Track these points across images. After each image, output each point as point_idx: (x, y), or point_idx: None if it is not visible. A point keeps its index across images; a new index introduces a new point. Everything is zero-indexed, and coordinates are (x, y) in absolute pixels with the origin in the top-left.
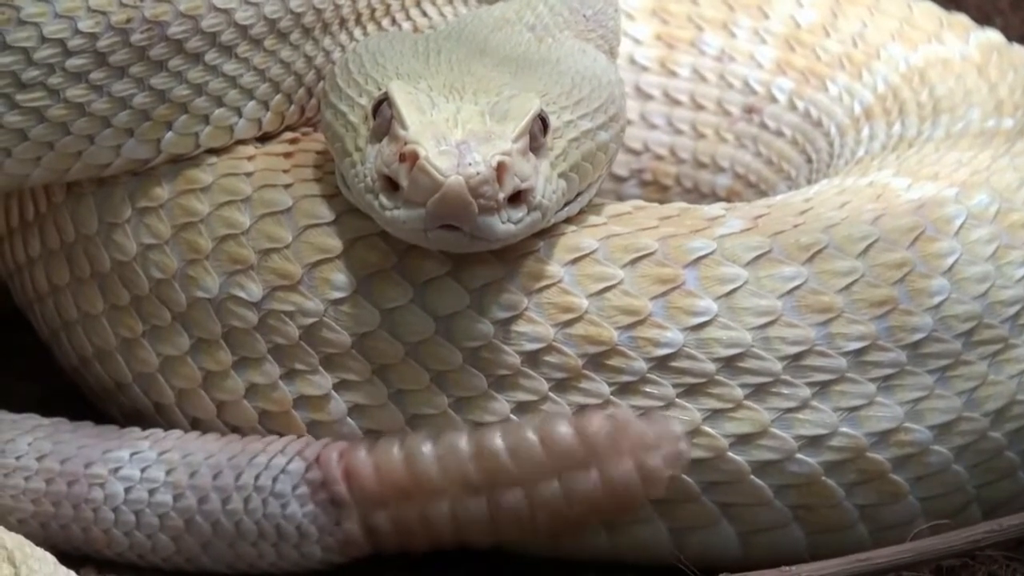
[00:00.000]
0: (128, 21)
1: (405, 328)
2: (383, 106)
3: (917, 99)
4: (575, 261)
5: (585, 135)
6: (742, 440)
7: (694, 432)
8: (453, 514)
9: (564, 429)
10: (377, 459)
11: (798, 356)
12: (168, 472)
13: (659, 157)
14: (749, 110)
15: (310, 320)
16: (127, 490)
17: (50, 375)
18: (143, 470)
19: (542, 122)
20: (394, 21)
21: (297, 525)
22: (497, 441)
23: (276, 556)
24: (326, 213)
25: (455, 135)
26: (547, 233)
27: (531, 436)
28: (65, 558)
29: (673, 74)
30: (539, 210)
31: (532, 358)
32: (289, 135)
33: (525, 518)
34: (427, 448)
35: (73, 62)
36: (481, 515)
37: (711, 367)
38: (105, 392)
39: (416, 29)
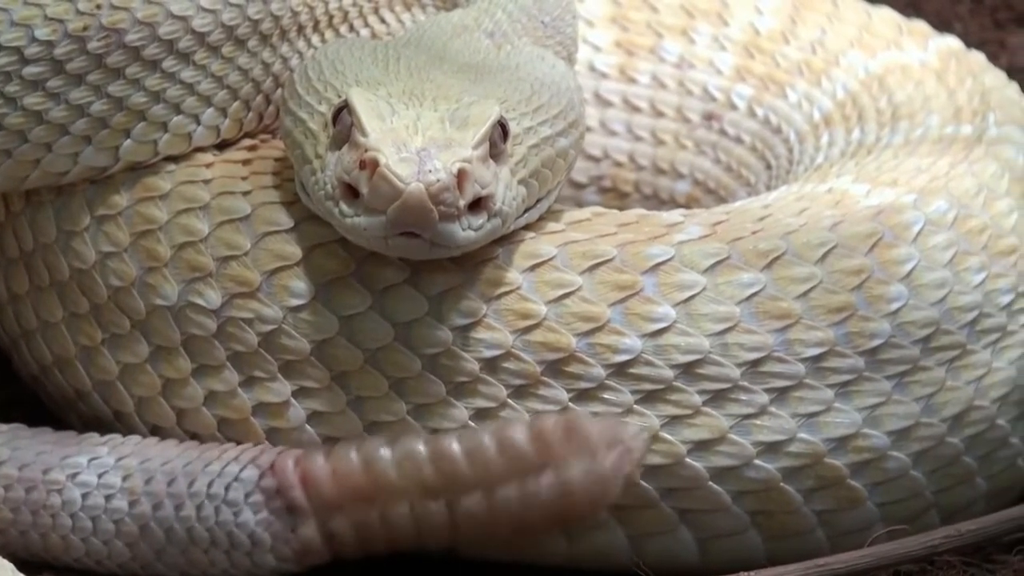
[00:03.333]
0: (85, 29)
1: (364, 335)
2: (343, 113)
3: (876, 106)
4: (534, 268)
5: (545, 141)
6: (700, 446)
7: (652, 438)
8: (412, 518)
9: (519, 432)
10: (334, 464)
11: (756, 362)
12: (125, 478)
13: (618, 164)
14: (709, 117)
15: (269, 327)
16: (84, 496)
17: (9, 382)
18: (100, 476)
19: (502, 128)
20: (352, 28)
21: (249, 533)
22: (454, 445)
23: (228, 564)
24: (285, 220)
25: (415, 142)
26: (506, 240)
27: (487, 440)
28: (23, 565)
29: (633, 81)
30: (499, 217)
31: (491, 365)
32: (247, 142)
33: (483, 522)
34: (385, 452)
35: (30, 70)
36: (440, 519)
37: (669, 373)
38: (65, 400)
39: (374, 36)
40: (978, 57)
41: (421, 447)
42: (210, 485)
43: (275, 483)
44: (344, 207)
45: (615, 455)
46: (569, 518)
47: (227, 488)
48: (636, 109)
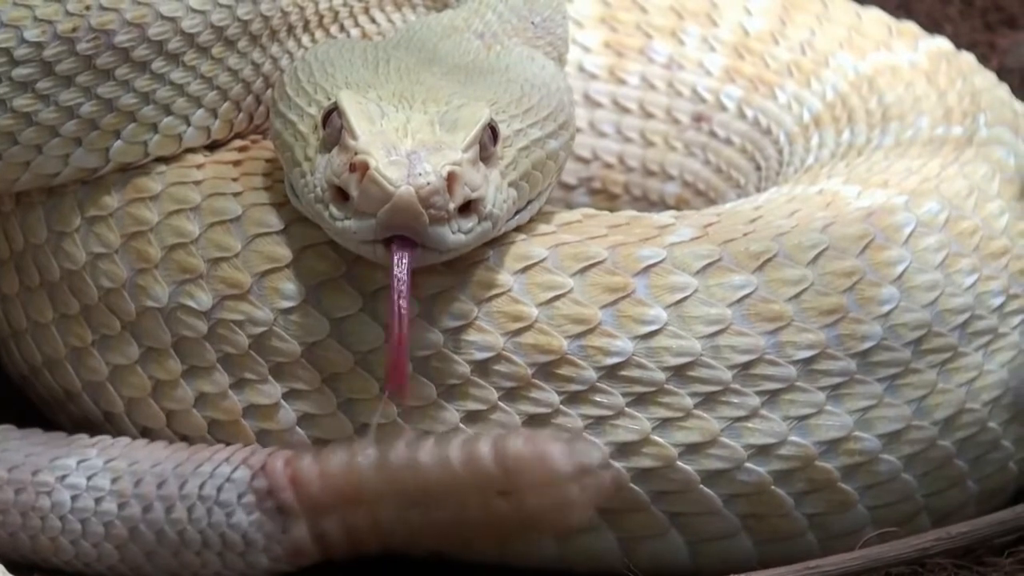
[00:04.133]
0: (74, 30)
1: (355, 337)
2: (333, 116)
3: (866, 107)
4: (525, 270)
5: (535, 144)
6: (691, 449)
7: (643, 441)
8: (397, 521)
9: (484, 450)
10: (322, 465)
11: (748, 365)
12: (114, 480)
13: (608, 165)
14: (698, 118)
15: (259, 329)
16: (73, 498)
17: None
18: (89, 478)
19: (492, 131)
20: (342, 28)
21: (243, 534)
22: (426, 455)
23: (221, 565)
24: (275, 222)
25: (405, 145)
26: (497, 242)
27: (455, 454)
28: (13, 566)
29: (622, 82)
30: (489, 220)
31: (482, 367)
32: (238, 143)
33: (459, 530)
34: (369, 455)
35: (20, 72)
36: (421, 524)
37: (661, 376)
38: (55, 401)
39: (365, 36)
40: (968, 58)
41: (401, 452)
42: (202, 486)
43: (266, 484)
44: (334, 210)
45: (580, 484)
46: (537, 533)
47: (219, 489)
48: (625, 110)
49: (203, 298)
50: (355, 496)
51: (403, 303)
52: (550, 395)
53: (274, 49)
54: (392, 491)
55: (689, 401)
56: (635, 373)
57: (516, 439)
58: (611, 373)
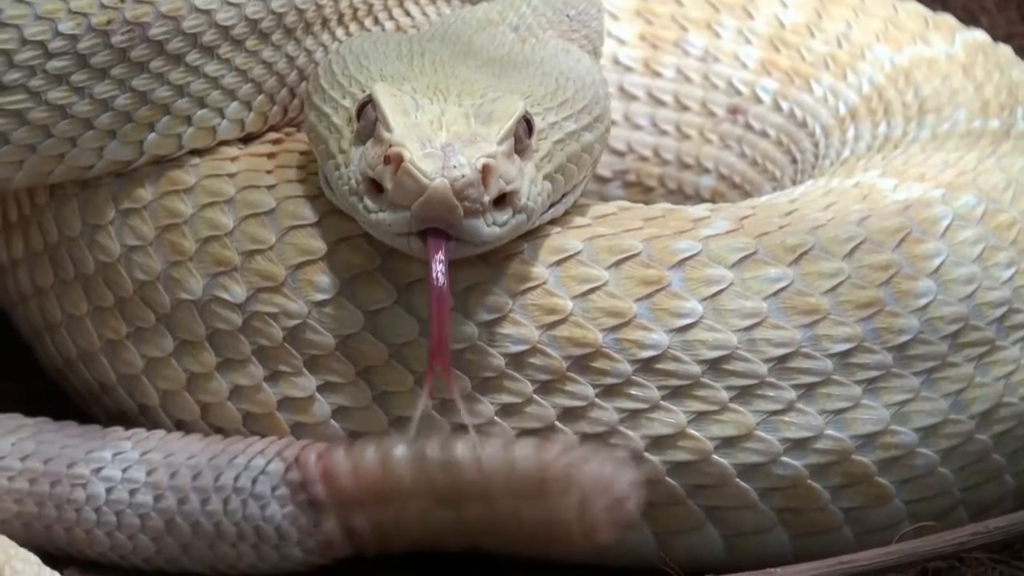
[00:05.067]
0: (109, 23)
1: (389, 330)
2: (367, 108)
3: (903, 99)
4: (560, 263)
5: (570, 136)
6: (727, 443)
7: (679, 435)
8: (428, 517)
9: (525, 453)
10: (354, 460)
11: (784, 358)
12: (149, 473)
13: (643, 158)
14: (734, 111)
15: (294, 322)
16: (108, 490)
17: (33, 374)
18: (124, 470)
19: (527, 124)
20: (377, 21)
21: (276, 526)
22: (461, 452)
23: (256, 557)
24: (309, 214)
25: (440, 137)
26: (532, 235)
27: (494, 453)
28: (48, 558)
29: (657, 75)
30: (524, 212)
31: (516, 360)
32: (272, 136)
33: (488, 529)
34: (401, 451)
35: (54, 64)
36: (452, 520)
37: (696, 369)
38: (89, 393)
39: (399, 29)
40: (1005, 51)
41: (435, 450)
42: (237, 479)
43: (300, 477)
44: (368, 202)
45: (606, 505)
46: (557, 547)
47: (254, 481)
48: (661, 103)
49: (237, 291)
50: (386, 492)
51: (442, 278)
52: (585, 388)
53: (308, 42)
54: (425, 488)
55: (725, 394)
56: (670, 366)
57: (553, 449)
58: (646, 366)
